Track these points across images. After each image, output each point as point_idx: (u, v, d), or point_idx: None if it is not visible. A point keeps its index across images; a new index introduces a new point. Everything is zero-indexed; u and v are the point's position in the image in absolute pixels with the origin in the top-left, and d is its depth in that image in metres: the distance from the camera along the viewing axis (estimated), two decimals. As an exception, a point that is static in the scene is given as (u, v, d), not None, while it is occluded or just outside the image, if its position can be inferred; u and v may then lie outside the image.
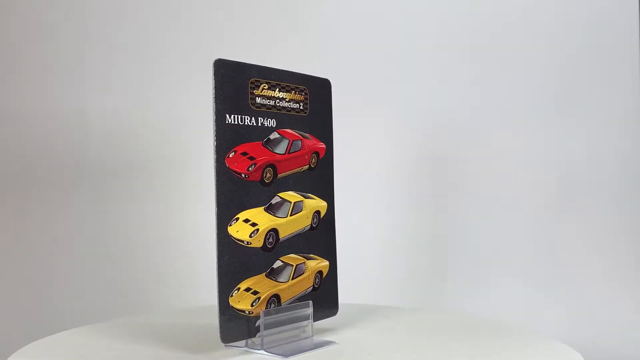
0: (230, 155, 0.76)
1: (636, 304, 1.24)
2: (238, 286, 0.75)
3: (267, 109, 0.80)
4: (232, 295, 0.75)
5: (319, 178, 0.86)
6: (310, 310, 0.83)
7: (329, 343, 0.80)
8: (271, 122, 0.80)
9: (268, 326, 0.77)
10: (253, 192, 0.78)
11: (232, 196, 0.76)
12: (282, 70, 0.82)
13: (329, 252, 0.87)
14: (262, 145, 0.79)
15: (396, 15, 1.35)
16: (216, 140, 0.75)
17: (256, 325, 0.77)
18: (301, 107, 0.84)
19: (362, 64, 1.35)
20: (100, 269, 1.37)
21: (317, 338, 0.82)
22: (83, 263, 1.37)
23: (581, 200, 1.28)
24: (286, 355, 0.75)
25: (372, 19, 1.36)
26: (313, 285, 0.84)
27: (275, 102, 0.81)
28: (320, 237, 0.86)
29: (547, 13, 1.29)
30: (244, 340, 0.78)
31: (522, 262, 1.29)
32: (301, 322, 0.82)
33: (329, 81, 0.88)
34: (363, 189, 1.33)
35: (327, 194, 0.87)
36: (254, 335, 0.77)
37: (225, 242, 0.75)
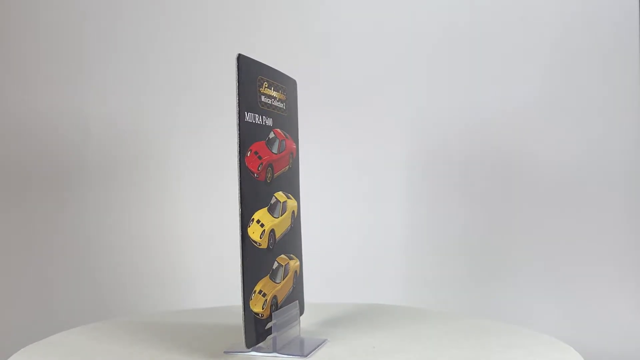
0: (248, 154, 0.74)
1: (636, 304, 1.27)
2: (254, 289, 0.74)
3: (267, 107, 0.78)
4: (251, 298, 0.73)
5: (293, 178, 0.87)
6: (298, 310, 0.83)
7: (323, 340, 0.81)
8: (269, 121, 0.79)
9: (277, 328, 0.76)
10: (261, 192, 0.76)
11: (250, 196, 0.74)
12: (274, 68, 0.81)
13: (299, 252, 0.88)
14: (265, 144, 0.78)
15: (394, 13, 1.35)
16: (239, 139, 0.72)
17: (266, 327, 0.76)
18: (284, 107, 0.84)
19: (359, 64, 1.34)
20: (101, 269, 1.34)
21: (307, 336, 0.83)
22: (83, 263, 1.35)
23: (581, 200, 1.30)
24: (304, 355, 0.75)
25: (366, 18, 1.35)
26: (293, 285, 0.85)
27: (271, 101, 0.80)
28: (295, 236, 0.86)
29: (547, 13, 1.30)
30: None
31: (521, 262, 1.30)
32: (292, 322, 0.82)
33: (295, 81, 0.89)
34: (361, 187, 1.32)
35: (297, 193, 0.88)
36: (264, 338, 0.76)
37: (247, 244, 0.73)
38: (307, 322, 0.89)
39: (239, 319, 0.92)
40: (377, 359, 0.75)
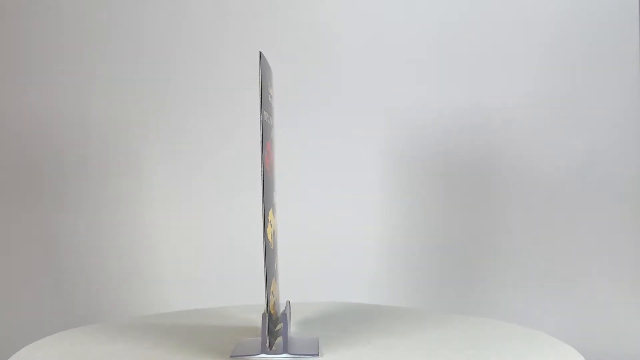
0: (265, 154, 0.73)
1: (636, 304, 1.27)
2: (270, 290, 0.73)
3: (270, 106, 0.78)
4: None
5: (274, 178, 0.86)
6: (290, 310, 0.83)
7: (317, 339, 0.82)
8: (271, 120, 0.79)
9: (285, 328, 0.76)
10: (270, 192, 0.76)
11: (268, 196, 0.73)
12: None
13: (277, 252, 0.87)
14: (270, 144, 0.77)
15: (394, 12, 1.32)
16: (262, 139, 0.71)
17: (276, 328, 0.75)
18: (273, 104, 0.83)
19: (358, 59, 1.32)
20: (101, 269, 1.34)
21: (300, 336, 0.83)
22: (83, 263, 1.35)
23: (581, 200, 1.29)
24: (317, 354, 0.75)
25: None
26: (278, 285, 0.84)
27: (271, 100, 0.79)
28: (276, 236, 0.86)
29: (547, 13, 1.29)
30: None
31: (521, 261, 1.29)
32: (289, 322, 0.81)
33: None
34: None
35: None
36: (275, 339, 0.75)
37: (267, 244, 0.72)
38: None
39: (235, 319, 0.92)
40: (381, 354, 0.77)
